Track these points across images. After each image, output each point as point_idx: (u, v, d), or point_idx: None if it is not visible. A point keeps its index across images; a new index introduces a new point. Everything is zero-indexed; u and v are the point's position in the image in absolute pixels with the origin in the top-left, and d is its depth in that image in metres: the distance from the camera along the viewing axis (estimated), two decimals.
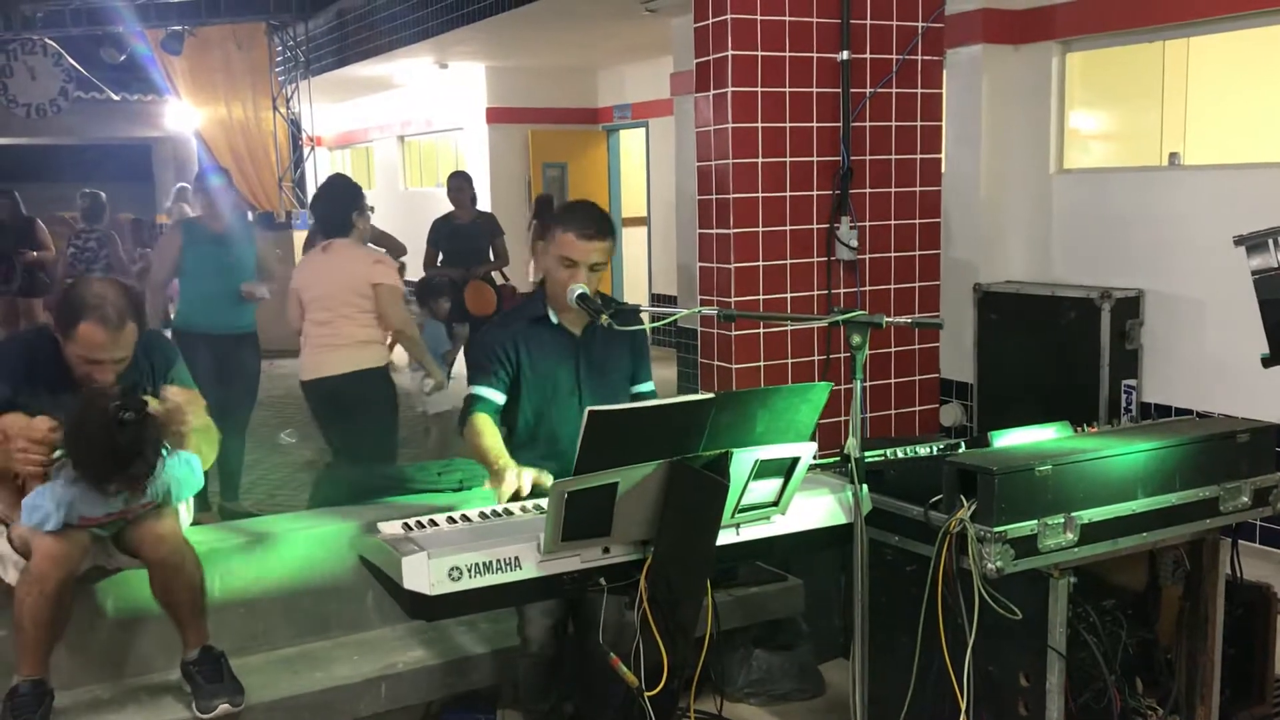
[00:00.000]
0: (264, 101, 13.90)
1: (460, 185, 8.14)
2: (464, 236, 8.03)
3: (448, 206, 8.21)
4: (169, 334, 5.16)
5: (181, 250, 5.95)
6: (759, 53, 4.75)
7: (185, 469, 3.32)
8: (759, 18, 4.73)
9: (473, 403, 3.35)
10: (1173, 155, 6.21)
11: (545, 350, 3.40)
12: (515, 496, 3.04)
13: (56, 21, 13.54)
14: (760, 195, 4.83)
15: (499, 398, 3.37)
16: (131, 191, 19.85)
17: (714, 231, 4.91)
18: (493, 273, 8.14)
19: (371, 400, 5.14)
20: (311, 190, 11.18)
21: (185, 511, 3.54)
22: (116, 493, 3.13)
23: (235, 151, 14.17)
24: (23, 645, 3.12)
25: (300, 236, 11.23)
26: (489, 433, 3.29)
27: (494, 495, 3.12)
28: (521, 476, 3.08)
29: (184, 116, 14.63)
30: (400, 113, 16.06)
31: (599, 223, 3.34)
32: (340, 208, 5.19)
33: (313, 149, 14.71)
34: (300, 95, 13.80)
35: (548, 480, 3.05)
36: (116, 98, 15.98)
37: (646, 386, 3.61)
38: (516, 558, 2.47)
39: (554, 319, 3.41)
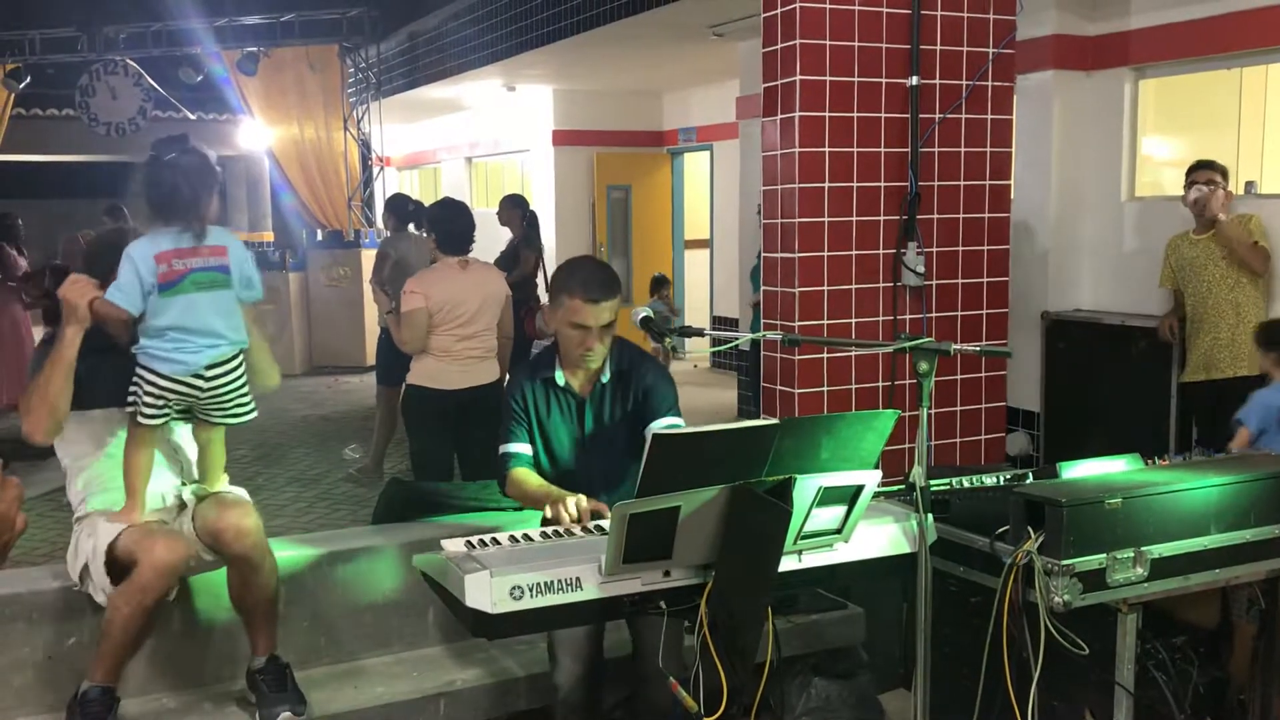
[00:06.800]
0: (335, 122, 14.13)
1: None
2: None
3: None
4: None
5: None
6: (827, 78, 4.74)
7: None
8: (828, 43, 4.72)
9: (506, 461, 3.40)
10: (1249, 184, 6.09)
11: (551, 410, 3.44)
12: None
13: (137, 43, 13.92)
14: (826, 220, 4.82)
15: (528, 450, 3.42)
16: None
17: (779, 255, 4.90)
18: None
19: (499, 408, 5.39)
20: (379, 210, 11.30)
21: None
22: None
23: (306, 170, 14.41)
24: (105, 653, 3.16)
25: (369, 255, 11.39)
26: (530, 480, 3.35)
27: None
28: (581, 502, 3.08)
29: (257, 136, 14.91)
30: (468, 134, 16.25)
31: (605, 283, 3.30)
32: (470, 227, 5.55)
33: (382, 169, 14.93)
34: (370, 116, 14.03)
35: (606, 511, 3.05)
36: (193, 117, 16.31)
37: (665, 422, 3.40)
38: (578, 578, 2.47)
39: (561, 381, 3.43)
